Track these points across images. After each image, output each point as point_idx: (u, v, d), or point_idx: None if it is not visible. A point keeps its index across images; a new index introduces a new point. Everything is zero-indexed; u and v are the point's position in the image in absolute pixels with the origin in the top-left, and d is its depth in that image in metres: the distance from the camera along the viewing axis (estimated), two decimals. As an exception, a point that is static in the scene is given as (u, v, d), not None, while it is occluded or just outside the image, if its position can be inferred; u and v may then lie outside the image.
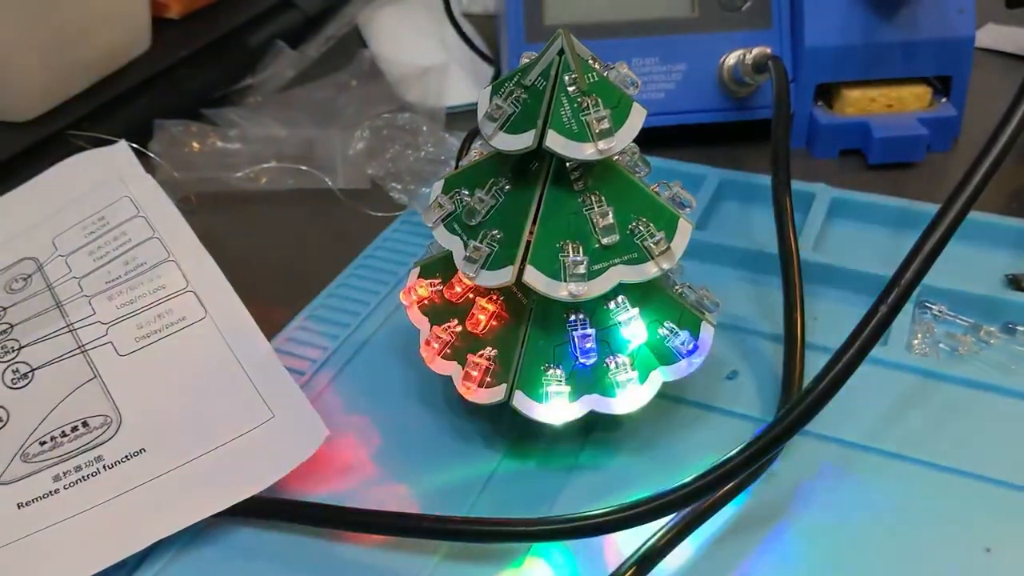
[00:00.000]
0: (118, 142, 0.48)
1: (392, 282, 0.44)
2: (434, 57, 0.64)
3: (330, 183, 0.52)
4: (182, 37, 0.64)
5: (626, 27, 0.53)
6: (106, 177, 0.46)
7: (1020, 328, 0.40)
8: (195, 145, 0.55)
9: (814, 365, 0.36)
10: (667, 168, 0.50)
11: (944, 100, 0.54)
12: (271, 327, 0.41)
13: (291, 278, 0.46)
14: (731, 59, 0.52)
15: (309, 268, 0.46)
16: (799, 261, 0.40)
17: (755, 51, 0.51)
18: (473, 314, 0.34)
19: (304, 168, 0.53)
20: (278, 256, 0.49)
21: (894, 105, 0.54)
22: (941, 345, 0.39)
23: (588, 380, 0.33)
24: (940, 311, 0.41)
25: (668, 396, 0.37)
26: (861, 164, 0.54)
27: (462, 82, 0.63)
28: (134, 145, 0.49)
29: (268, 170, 0.53)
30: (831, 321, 0.41)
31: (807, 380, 0.35)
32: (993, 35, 0.66)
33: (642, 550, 0.30)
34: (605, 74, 0.32)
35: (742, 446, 0.29)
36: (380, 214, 0.50)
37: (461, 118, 0.59)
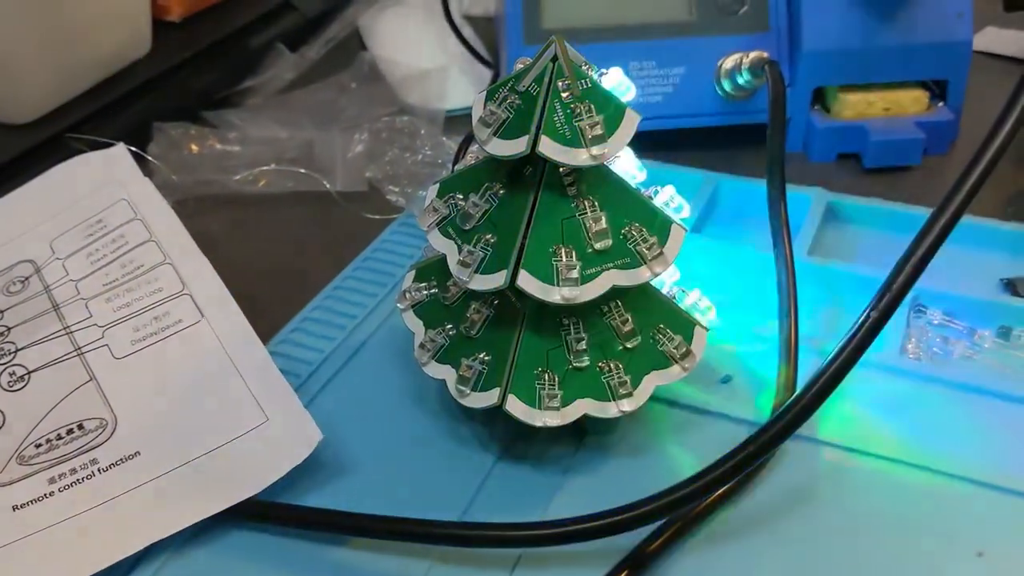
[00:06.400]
0: (116, 145, 0.49)
1: (389, 285, 0.44)
2: (434, 59, 0.64)
3: (328, 186, 0.52)
4: (183, 40, 0.64)
5: (624, 30, 0.53)
6: (104, 180, 0.46)
7: (1015, 332, 0.40)
8: (194, 148, 0.55)
9: (808, 370, 0.37)
10: (664, 171, 0.50)
11: (941, 104, 0.54)
12: (267, 330, 0.41)
13: (287, 281, 0.46)
14: (728, 63, 0.52)
15: (306, 271, 0.46)
16: (794, 265, 0.40)
17: (752, 55, 0.51)
18: (467, 318, 0.34)
19: (303, 171, 0.53)
20: (275, 259, 0.49)
21: (891, 109, 0.54)
22: (935, 349, 0.39)
23: (582, 384, 0.33)
24: (935, 315, 0.41)
25: (662, 400, 0.37)
26: (858, 168, 0.54)
27: (462, 85, 0.63)
28: (132, 148, 0.49)
29: (266, 173, 0.53)
30: (826, 325, 0.41)
31: (801, 385, 0.35)
32: (992, 38, 0.66)
33: (634, 554, 0.31)
34: (599, 79, 0.32)
35: (734, 450, 0.29)
36: (377, 217, 0.50)
37: (460, 121, 0.59)
